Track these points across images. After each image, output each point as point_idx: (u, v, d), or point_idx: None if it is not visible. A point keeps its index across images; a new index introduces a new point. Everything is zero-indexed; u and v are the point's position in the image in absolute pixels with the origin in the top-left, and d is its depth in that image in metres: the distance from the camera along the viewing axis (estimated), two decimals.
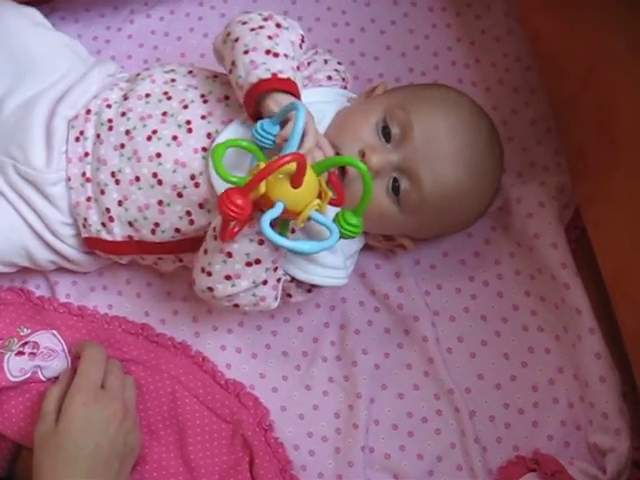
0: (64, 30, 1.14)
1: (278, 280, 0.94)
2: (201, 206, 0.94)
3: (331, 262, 0.96)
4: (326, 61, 1.03)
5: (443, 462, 1.02)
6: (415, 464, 1.02)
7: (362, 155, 0.91)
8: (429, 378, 1.04)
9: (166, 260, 1.01)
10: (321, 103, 0.98)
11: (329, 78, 1.01)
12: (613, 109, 0.90)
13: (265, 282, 0.91)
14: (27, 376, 1.00)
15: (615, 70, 0.90)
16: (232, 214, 0.80)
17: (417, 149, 0.91)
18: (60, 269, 1.06)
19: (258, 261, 0.89)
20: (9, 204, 0.98)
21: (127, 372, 1.03)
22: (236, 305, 0.93)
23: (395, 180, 0.92)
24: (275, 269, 0.92)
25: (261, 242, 0.88)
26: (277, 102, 0.87)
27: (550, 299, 1.03)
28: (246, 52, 0.90)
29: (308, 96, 0.97)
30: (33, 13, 1.06)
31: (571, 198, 1.05)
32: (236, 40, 0.91)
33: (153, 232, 0.97)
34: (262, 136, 0.86)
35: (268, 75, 0.87)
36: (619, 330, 0.93)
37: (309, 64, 1.01)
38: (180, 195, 0.94)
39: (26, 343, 1.02)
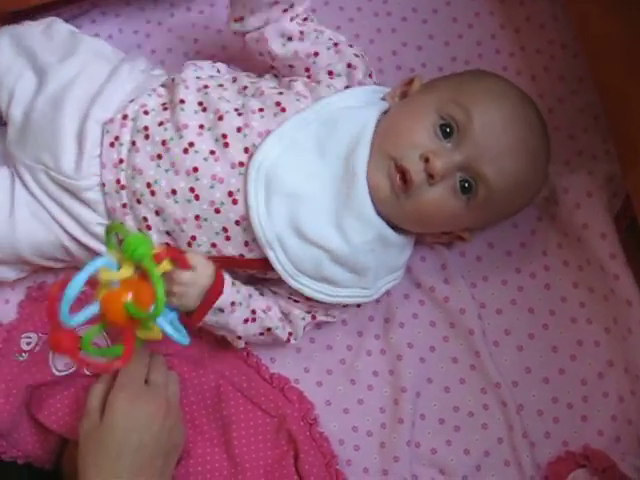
0: (105, 25, 1.16)
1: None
2: (238, 223, 0.93)
3: (355, 283, 0.96)
4: (336, 44, 0.98)
5: (490, 457, 1.01)
6: (462, 459, 1.01)
7: (425, 160, 0.89)
8: (475, 372, 1.03)
9: None
10: (359, 108, 0.96)
11: (349, 66, 0.97)
12: None
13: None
14: (72, 370, 1.01)
15: None
16: None
17: (478, 145, 0.89)
18: None
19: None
20: (44, 209, 0.98)
21: (170, 367, 1.03)
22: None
23: (461, 180, 0.90)
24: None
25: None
26: None
27: (599, 290, 1.02)
28: None
29: (344, 101, 0.96)
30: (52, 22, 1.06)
31: (620, 187, 1.03)
32: None
33: (189, 245, 0.95)
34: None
35: None
36: None
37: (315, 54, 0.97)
38: (217, 211, 0.93)
39: None
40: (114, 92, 0.98)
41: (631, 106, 0.94)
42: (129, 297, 0.80)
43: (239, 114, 0.94)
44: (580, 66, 1.08)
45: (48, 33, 1.04)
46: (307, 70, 0.97)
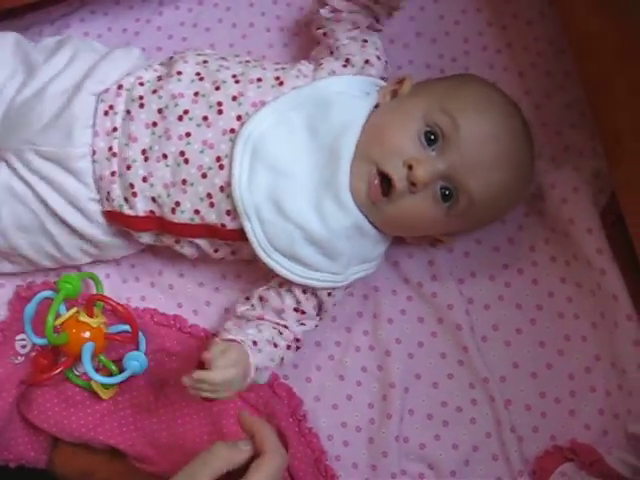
0: (94, 24, 1.17)
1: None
2: (222, 189, 0.94)
3: (326, 267, 0.96)
4: (365, 41, 1.01)
5: (479, 452, 1.01)
6: (450, 454, 1.02)
7: (409, 167, 0.89)
8: (464, 367, 1.03)
9: (183, 244, 1.01)
10: (354, 97, 0.97)
11: (366, 62, 0.99)
12: None
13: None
14: (60, 370, 1.01)
15: None
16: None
17: (462, 156, 0.89)
18: (93, 262, 1.07)
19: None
20: (30, 189, 0.98)
21: (160, 363, 1.03)
22: None
23: (442, 188, 0.91)
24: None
25: None
26: None
27: (586, 285, 1.02)
28: None
29: (340, 85, 0.97)
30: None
31: (606, 183, 1.03)
32: None
33: (173, 211, 0.96)
34: None
35: None
36: None
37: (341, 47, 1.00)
38: (204, 176, 0.95)
39: None
40: (111, 69, 1.00)
41: (617, 102, 0.94)
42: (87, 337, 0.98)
43: (236, 81, 0.96)
44: (566, 61, 1.08)
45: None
46: (329, 47, 1.01)
